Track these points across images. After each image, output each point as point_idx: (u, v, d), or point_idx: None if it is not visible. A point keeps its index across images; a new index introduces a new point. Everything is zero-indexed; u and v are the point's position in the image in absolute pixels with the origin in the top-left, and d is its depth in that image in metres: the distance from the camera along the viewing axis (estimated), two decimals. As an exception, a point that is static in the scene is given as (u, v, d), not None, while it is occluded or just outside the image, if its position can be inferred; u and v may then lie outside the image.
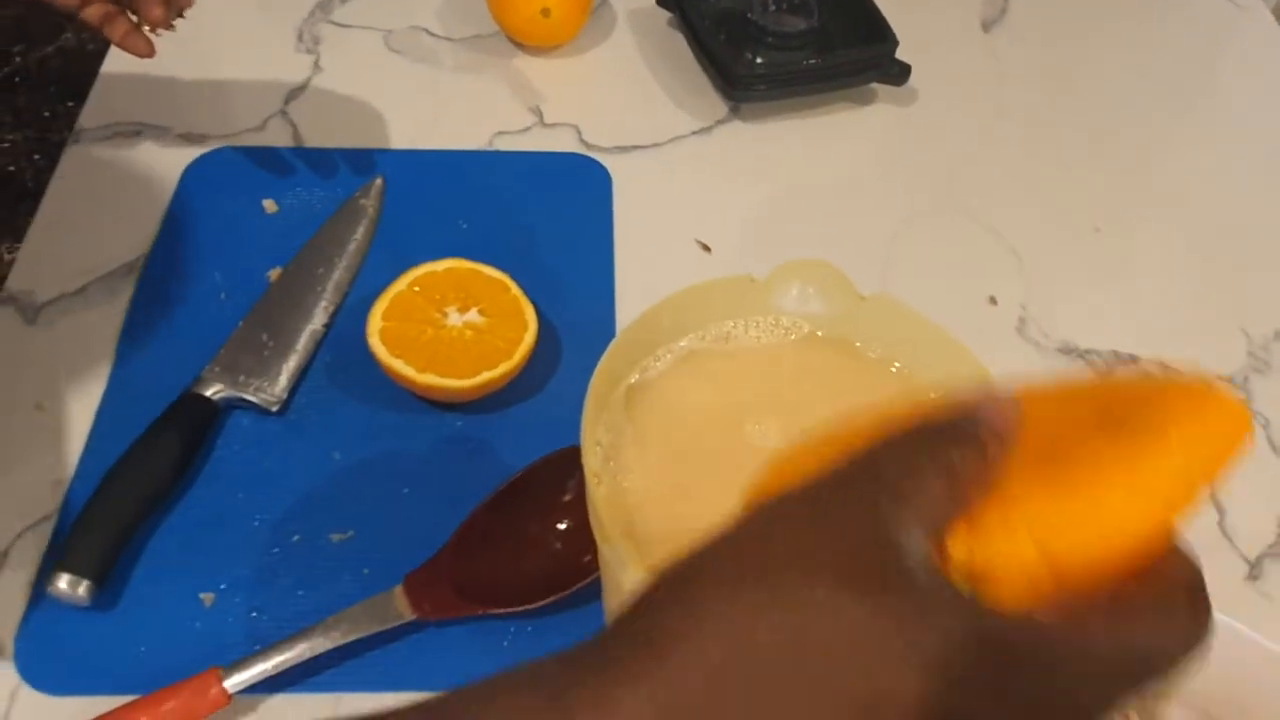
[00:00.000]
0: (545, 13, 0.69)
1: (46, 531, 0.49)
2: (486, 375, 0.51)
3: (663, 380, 0.37)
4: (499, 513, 0.49)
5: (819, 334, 0.38)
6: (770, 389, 0.37)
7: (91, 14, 0.53)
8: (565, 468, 0.50)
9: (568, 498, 0.49)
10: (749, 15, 0.70)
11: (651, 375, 0.37)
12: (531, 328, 0.53)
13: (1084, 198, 0.68)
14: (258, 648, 0.44)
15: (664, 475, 0.34)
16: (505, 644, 0.47)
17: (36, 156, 1.05)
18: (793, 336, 0.38)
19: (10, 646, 0.46)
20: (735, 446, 0.35)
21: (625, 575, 0.31)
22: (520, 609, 0.47)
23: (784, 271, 0.37)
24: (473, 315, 0.54)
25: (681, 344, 0.37)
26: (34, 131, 1.07)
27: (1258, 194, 0.69)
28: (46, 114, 1.08)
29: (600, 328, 0.58)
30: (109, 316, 0.56)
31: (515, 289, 0.54)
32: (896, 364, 0.38)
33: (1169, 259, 0.66)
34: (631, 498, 0.33)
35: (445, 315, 0.53)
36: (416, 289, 0.54)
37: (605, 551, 0.32)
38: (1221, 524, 0.53)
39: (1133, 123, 0.73)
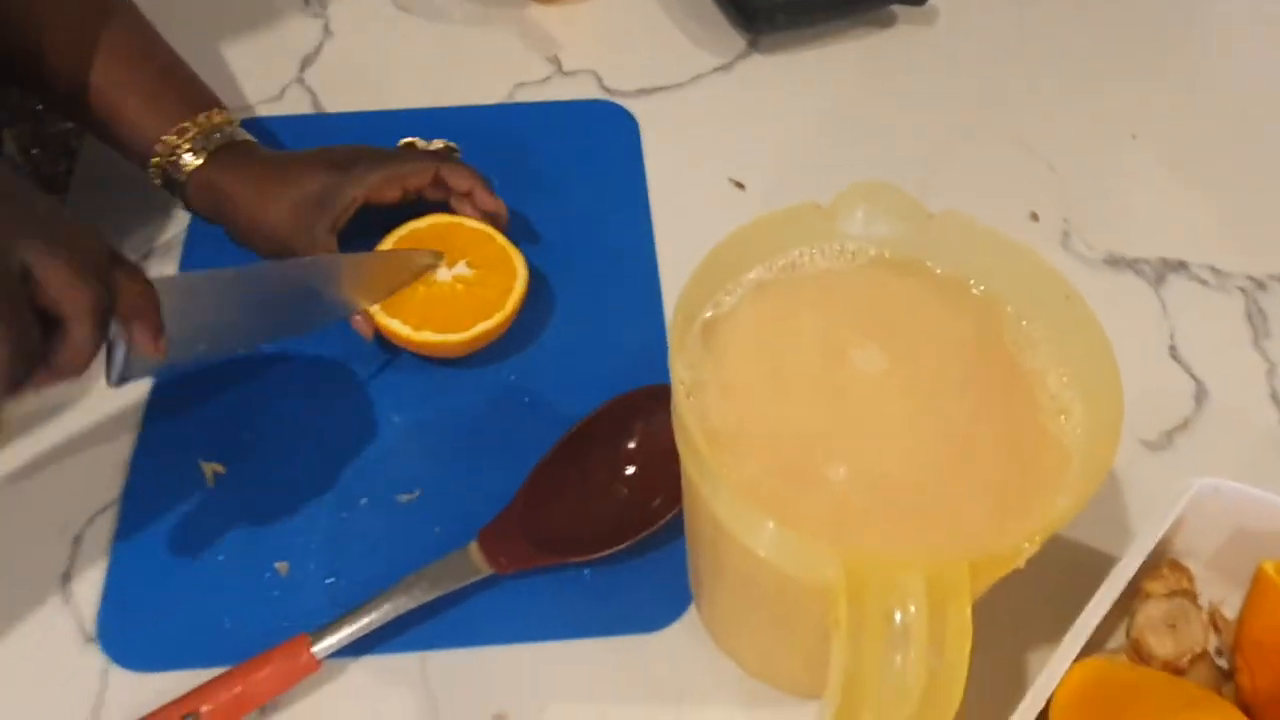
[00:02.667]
0: (556, -43, 0.68)
1: (114, 514, 0.49)
2: (481, 327, 0.51)
3: (736, 313, 0.36)
4: (565, 462, 0.49)
5: (887, 255, 0.38)
6: (847, 312, 0.36)
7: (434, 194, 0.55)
8: (628, 413, 0.50)
9: (633, 444, 0.49)
10: (763, -56, 0.69)
11: (725, 309, 0.36)
12: (521, 275, 0.52)
13: (1116, 106, 0.67)
14: (339, 612, 0.45)
15: (750, 403, 0.34)
16: (581, 590, 0.47)
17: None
18: (860, 261, 0.38)
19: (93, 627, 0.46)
20: (819, 368, 0.35)
21: (718, 497, 0.31)
22: (594, 556, 0.47)
23: (848, 195, 0.37)
24: (461, 268, 0.53)
25: (750, 276, 0.37)
26: (33, 124, 1.05)
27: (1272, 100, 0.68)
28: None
29: (643, 272, 0.58)
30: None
31: (500, 238, 0.53)
32: (972, 281, 0.37)
33: (1208, 160, 0.65)
34: (719, 426, 0.33)
35: (434, 271, 0.53)
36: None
37: (693, 470, 0.32)
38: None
39: (1154, 29, 0.72)
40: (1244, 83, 0.69)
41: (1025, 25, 0.72)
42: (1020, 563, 0.30)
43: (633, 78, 0.68)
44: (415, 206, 0.54)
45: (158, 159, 0.53)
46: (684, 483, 0.37)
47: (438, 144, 0.58)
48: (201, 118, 0.53)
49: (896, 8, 0.71)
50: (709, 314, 0.36)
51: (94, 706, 0.44)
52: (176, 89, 0.55)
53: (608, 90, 0.67)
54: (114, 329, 0.39)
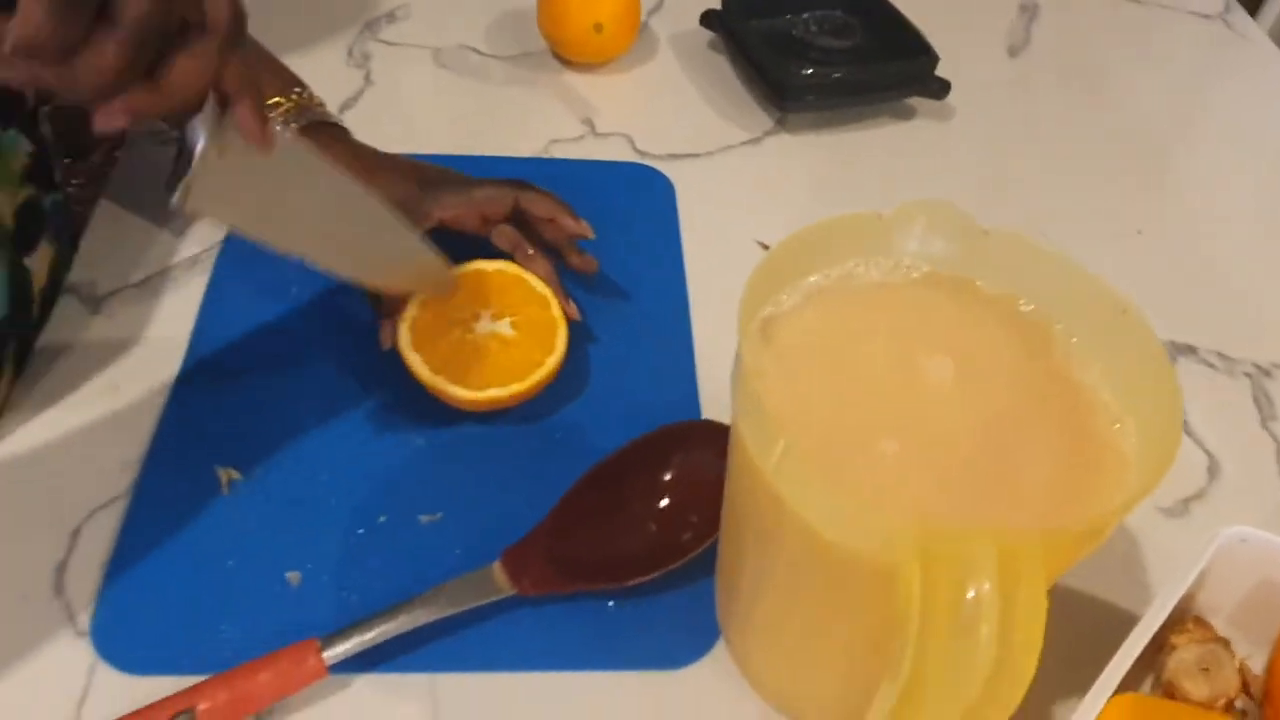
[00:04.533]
0: (598, 28, 0.71)
1: (117, 511, 0.47)
2: (494, 392, 0.49)
3: (796, 312, 0.37)
4: (595, 491, 0.48)
5: (940, 272, 0.39)
6: (903, 321, 0.37)
7: (501, 241, 0.53)
8: (664, 446, 0.49)
9: (667, 475, 0.48)
10: (793, 33, 0.73)
11: (784, 309, 0.37)
12: (557, 351, 0.50)
13: (1122, 203, 0.70)
14: (355, 620, 0.43)
15: (811, 389, 0.34)
16: (604, 622, 0.45)
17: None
18: (914, 275, 0.39)
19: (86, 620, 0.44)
20: (879, 366, 0.35)
21: (783, 474, 0.31)
22: (622, 584, 0.46)
23: (908, 209, 0.38)
24: (503, 327, 0.51)
25: (809, 280, 0.38)
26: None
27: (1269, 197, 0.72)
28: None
29: (677, 321, 0.58)
30: (176, 307, 0.56)
31: (555, 309, 0.52)
32: (1022, 301, 0.38)
33: (1213, 255, 0.67)
34: (780, 410, 0.33)
35: (476, 318, 0.51)
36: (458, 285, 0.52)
37: (754, 449, 0.32)
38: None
39: (1161, 125, 0.76)
40: (1248, 181, 0.72)
41: (1034, 128, 0.76)
42: (1093, 548, 0.29)
43: (664, 143, 0.70)
44: (487, 248, 0.53)
45: None
46: (737, 476, 0.37)
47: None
48: (294, 94, 0.54)
49: (916, 101, 0.75)
50: (768, 311, 0.37)
51: (78, 702, 0.42)
52: (267, 66, 0.55)
53: (640, 152, 0.69)
54: (201, 120, 0.36)
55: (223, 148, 0.37)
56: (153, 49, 0.32)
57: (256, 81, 0.36)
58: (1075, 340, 0.37)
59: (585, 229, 0.54)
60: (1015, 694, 0.28)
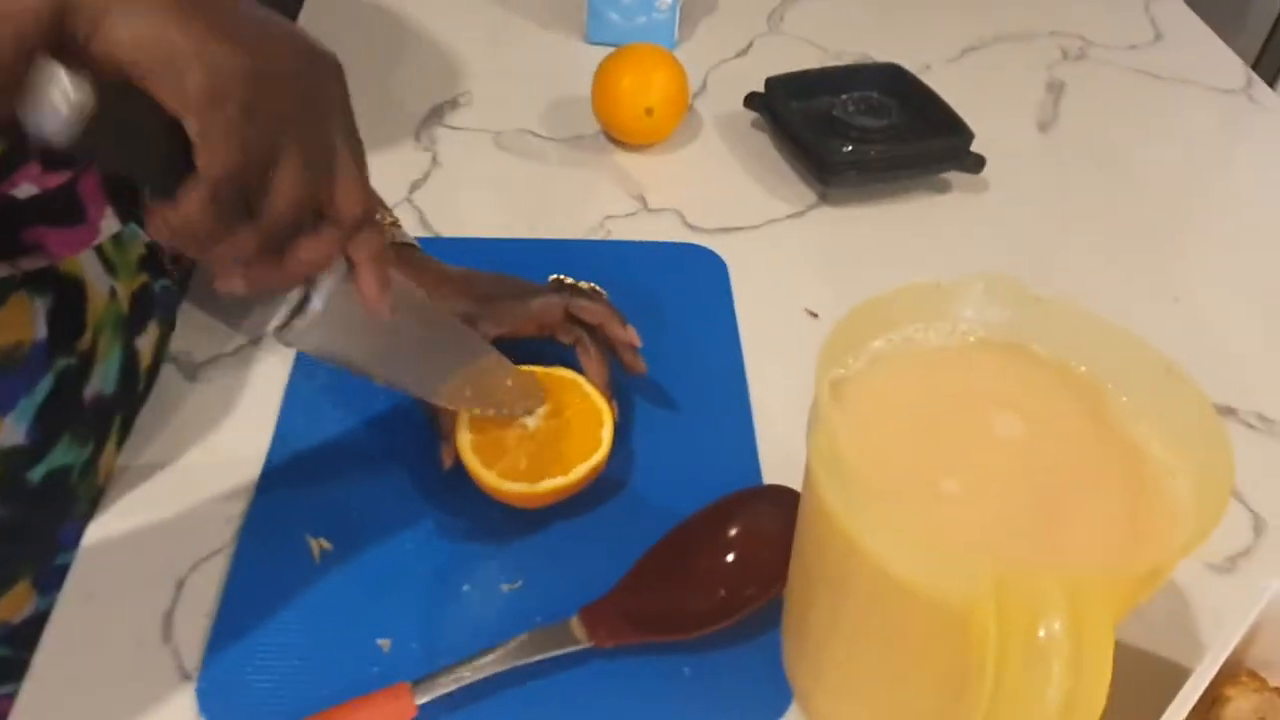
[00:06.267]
0: (649, 112, 0.76)
1: (220, 563, 0.50)
2: (546, 484, 0.50)
3: (863, 374, 0.40)
4: (667, 553, 0.51)
5: (995, 338, 0.42)
6: (964, 382, 0.40)
7: (566, 337, 0.56)
8: (731, 508, 0.52)
9: (733, 531, 0.51)
10: (833, 113, 0.77)
11: (852, 372, 0.40)
12: (604, 446, 0.52)
13: (1156, 271, 0.73)
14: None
15: (882, 443, 0.37)
16: (683, 673, 0.48)
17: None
18: (970, 340, 0.42)
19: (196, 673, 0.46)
20: (946, 422, 0.38)
21: (859, 517, 0.33)
22: (690, 635, 0.48)
23: (967, 280, 0.41)
24: (549, 421, 0.52)
25: (874, 344, 0.41)
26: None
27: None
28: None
29: (736, 389, 0.61)
30: (266, 374, 0.60)
31: (607, 431, 0.52)
32: (1073, 362, 0.41)
33: (1249, 321, 0.70)
34: (854, 465, 0.36)
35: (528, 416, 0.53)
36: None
37: (830, 495, 0.34)
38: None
39: (1184, 202, 0.79)
40: (1274, 246, 0.75)
41: (1067, 192, 0.79)
42: (1151, 591, 0.32)
43: (713, 218, 0.74)
44: (543, 344, 0.55)
45: None
46: (811, 526, 0.39)
47: (585, 286, 0.59)
48: (385, 220, 0.58)
49: (951, 176, 0.78)
50: (837, 374, 0.40)
51: (184, 750, 0.44)
52: None
53: (690, 227, 0.73)
54: (327, 276, 0.39)
55: (337, 305, 0.40)
56: (285, 240, 0.36)
57: (384, 253, 0.39)
58: (1125, 400, 0.40)
59: (632, 336, 0.55)
60: (1087, 726, 0.30)
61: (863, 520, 0.34)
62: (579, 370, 0.55)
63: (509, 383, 0.52)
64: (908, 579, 0.33)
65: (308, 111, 0.35)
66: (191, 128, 0.31)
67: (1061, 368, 0.41)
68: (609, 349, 0.56)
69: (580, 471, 0.51)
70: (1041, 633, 0.30)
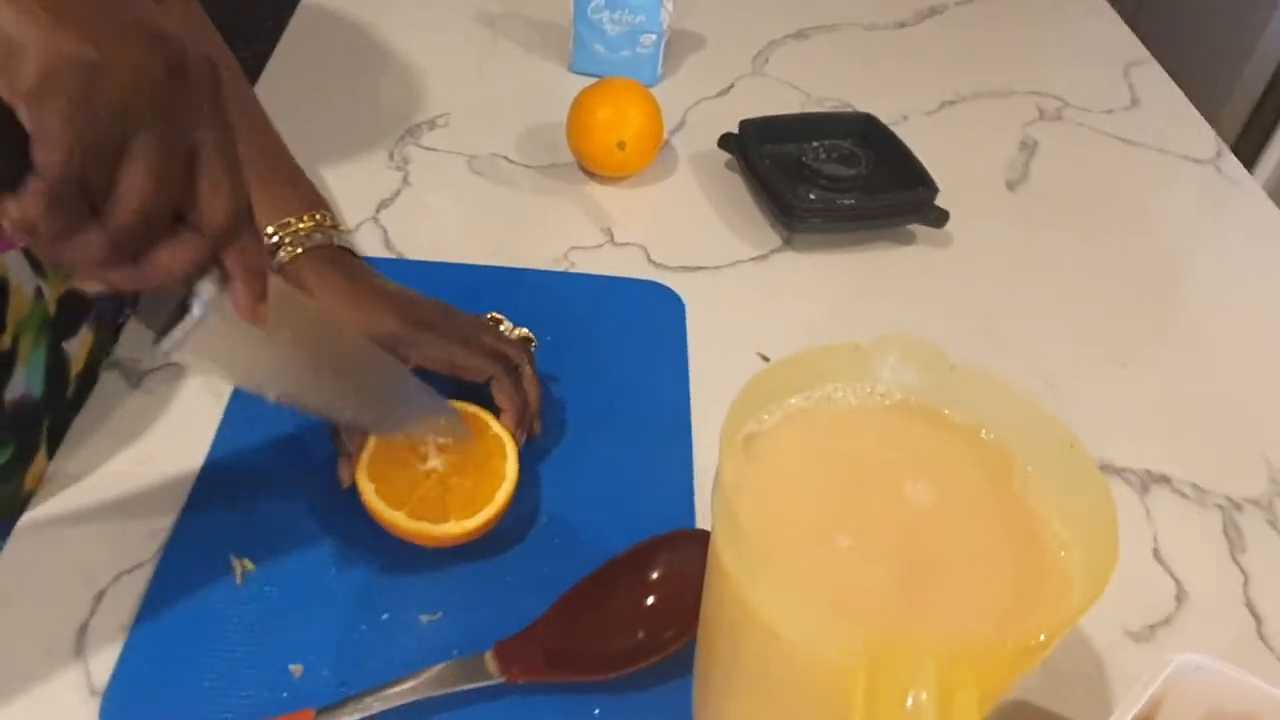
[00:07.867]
0: (621, 145, 0.77)
1: (142, 578, 0.51)
2: (449, 528, 0.50)
3: (776, 431, 0.41)
4: (587, 593, 0.51)
5: (911, 400, 0.42)
6: (875, 445, 0.41)
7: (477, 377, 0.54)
8: (655, 550, 0.52)
9: (655, 575, 0.52)
10: (803, 160, 0.78)
11: (766, 427, 0.41)
12: (486, 513, 0.51)
13: (1110, 335, 0.74)
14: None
15: (782, 504, 0.37)
16: (594, 714, 0.48)
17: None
18: (887, 402, 0.42)
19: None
20: (847, 484, 0.39)
21: (755, 581, 0.34)
22: (605, 676, 0.48)
23: (884, 341, 0.42)
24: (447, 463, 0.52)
25: (790, 401, 0.41)
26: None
27: (1265, 338, 0.75)
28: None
29: (679, 429, 0.62)
30: (210, 386, 0.60)
31: (510, 470, 0.52)
32: (984, 431, 0.42)
33: (1195, 392, 0.70)
34: (754, 524, 0.37)
35: (425, 458, 0.53)
36: None
37: (729, 558, 0.35)
38: (1260, 631, 0.56)
39: (1146, 270, 0.80)
40: (1232, 321, 0.76)
41: (1030, 251, 0.80)
42: (1034, 663, 0.32)
43: (677, 256, 0.75)
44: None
45: None
46: (712, 580, 0.40)
47: (520, 332, 0.60)
48: (307, 217, 0.58)
49: (916, 228, 0.79)
50: (751, 428, 0.40)
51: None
52: (291, 183, 0.59)
53: (654, 263, 0.74)
54: (205, 283, 0.37)
55: (219, 315, 0.37)
56: (138, 244, 0.34)
57: (260, 265, 0.37)
58: (1031, 469, 0.40)
59: (521, 435, 0.54)
60: (950, 796, 0.31)
61: (754, 577, 0.35)
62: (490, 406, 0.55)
63: (427, 412, 0.51)
64: (791, 639, 0.34)
65: (161, 107, 0.32)
66: (25, 119, 0.30)
67: (973, 435, 0.42)
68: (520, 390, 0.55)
69: (478, 520, 0.51)
70: (910, 702, 0.31)
